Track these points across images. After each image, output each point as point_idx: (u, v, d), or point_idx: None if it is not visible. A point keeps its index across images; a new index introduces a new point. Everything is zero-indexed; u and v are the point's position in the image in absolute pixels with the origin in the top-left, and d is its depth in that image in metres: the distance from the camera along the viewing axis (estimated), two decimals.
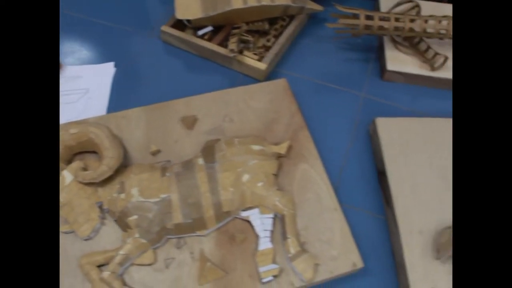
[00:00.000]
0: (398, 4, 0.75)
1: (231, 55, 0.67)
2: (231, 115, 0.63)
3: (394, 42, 0.73)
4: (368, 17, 0.68)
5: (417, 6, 0.74)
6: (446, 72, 0.71)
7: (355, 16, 0.68)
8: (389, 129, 0.63)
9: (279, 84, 0.66)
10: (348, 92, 0.71)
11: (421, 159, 0.61)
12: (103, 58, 0.74)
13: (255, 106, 0.64)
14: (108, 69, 0.72)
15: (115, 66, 0.72)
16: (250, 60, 0.69)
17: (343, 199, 0.60)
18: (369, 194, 0.61)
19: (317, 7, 0.78)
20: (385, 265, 0.56)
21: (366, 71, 0.74)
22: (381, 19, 0.67)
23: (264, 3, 0.70)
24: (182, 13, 0.70)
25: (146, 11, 0.81)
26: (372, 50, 0.78)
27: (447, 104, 0.71)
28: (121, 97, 0.69)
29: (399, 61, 0.72)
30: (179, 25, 0.74)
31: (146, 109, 0.64)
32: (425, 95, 0.72)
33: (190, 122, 0.62)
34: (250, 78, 0.71)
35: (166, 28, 0.73)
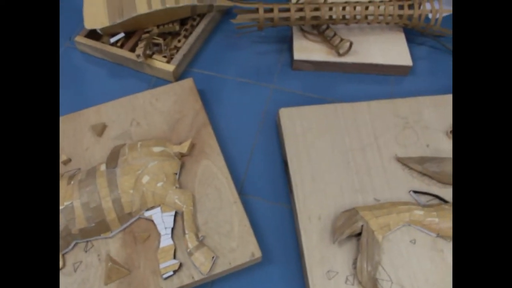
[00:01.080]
0: None
1: (139, 60, 0.69)
2: (138, 119, 0.65)
3: (302, 31, 0.74)
4: (269, 10, 0.69)
5: None
6: (352, 57, 0.72)
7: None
8: (292, 119, 0.64)
9: (185, 84, 0.68)
10: (258, 85, 0.72)
11: (323, 146, 0.62)
12: None
13: (161, 108, 0.66)
14: None
15: None
16: (158, 63, 0.71)
17: (250, 191, 0.62)
18: (275, 185, 0.63)
19: (226, 3, 0.79)
20: (290, 254, 0.58)
21: (278, 63, 0.76)
22: (281, 10, 0.69)
23: (168, 5, 0.71)
24: (89, 23, 0.71)
25: (62, 22, 0.83)
26: (285, 40, 0.79)
27: (356, 87, 0.72)
28: None
29: (306, 50, 0.73)
30: (95, 33, 0.75)
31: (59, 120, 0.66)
32: (335, 81, 0.73)
33: (99, 129, 0.64)
34: (163, 80, 0.73)
35: (79, 39, 0.75)
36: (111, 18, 0.71)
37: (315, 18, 0.70)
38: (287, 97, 0.71)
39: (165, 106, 0.66)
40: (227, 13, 0.83)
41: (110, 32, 0.74)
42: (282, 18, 0.69)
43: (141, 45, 0.70)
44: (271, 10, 0.68)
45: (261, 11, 0.67)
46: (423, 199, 0.58)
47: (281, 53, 0.77)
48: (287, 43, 0.79)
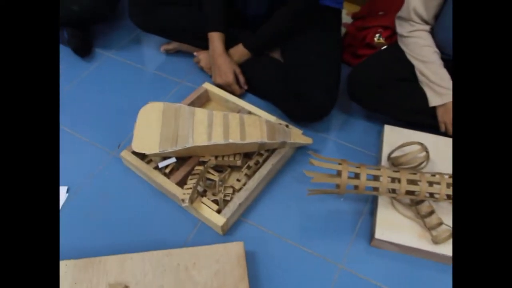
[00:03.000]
0: (402, 146, 0.61)
1: (183, 205, 0.56)
2: None
3: (392, 197, 0.59)
4: (354, 176, 0.54)
5: (426, 151, 0.59)
6: (451, 247, 0.55)
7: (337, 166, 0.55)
8: None
9: (233, 250, 0.54)
10: (323, 260, 0.57)
11: None
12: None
13: (197, 277, 0.52)
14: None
15: (68, 191, 0.64)
16: (207, 210, 0.58)
17: None
18: None
19: (304, 140, 0.65)
20: None
21: (354, 230, 0.60)
22: (370, 177, 0.54)
23: (231, 140, 0.59)
24: (138, 146, 0.60)
25: (116, 124, 0.74)
26: (367, 200, 0.63)
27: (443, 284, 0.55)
28: (72, 230, 0.61)
29: (392, 226, 0.56)
30: None
31: (74, 264, 0.54)
32: (424, 272, 0.56)
33: None
34: (210, 228, 0.60)
35: (125, 154, 0.64)
36: (163, 145, 0.59)
37: (411, 192, 0.55)
38: (357, 285, 0.55)
39: (202, 276, 0.52)
40: (302, 147, 0.69)
41: (160, 155, 0.63)
42: (369, 186, 0.54)
43: (189, 185, 0.57)
44: (357, 176, 0.54)
45: (344, 175, 0.53)
46: None
47: (359, 217, 0.61)
48: (370, 205, 0.63)
